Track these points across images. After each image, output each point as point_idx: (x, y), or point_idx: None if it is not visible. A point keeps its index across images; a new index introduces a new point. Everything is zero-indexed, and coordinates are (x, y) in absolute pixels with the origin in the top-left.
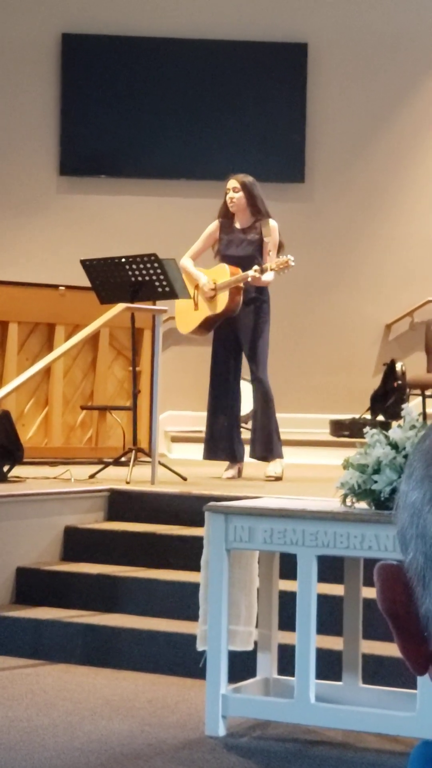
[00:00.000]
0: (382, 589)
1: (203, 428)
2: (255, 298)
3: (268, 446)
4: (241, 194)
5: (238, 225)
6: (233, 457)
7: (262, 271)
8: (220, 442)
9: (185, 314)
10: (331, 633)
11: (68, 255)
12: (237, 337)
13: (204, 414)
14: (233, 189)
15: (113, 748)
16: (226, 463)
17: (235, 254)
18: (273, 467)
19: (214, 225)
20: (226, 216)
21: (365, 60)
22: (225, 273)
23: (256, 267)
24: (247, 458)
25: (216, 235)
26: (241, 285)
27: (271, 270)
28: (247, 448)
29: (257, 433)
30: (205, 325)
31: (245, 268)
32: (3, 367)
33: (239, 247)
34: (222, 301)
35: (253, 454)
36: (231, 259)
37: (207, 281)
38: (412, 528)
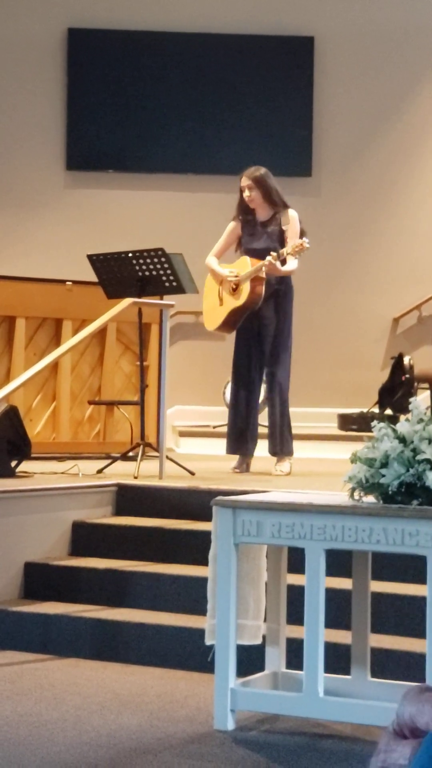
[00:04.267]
0: None
1: (211, 422)
2: (277, 291)
3: (282, 443)
4: (256, 191)
5: (258, 218)
6: (244, 451)
7: (279, 257)
8: (239, 435)
9: (211, 311)
10: (340, 627)
11: (75, 250)
12: (259, 330)
13: (212, 408)
14: (248, 188)
15: (122, 743)
16: (236, 458)
17: (256, 247)
18: (281, 466)
19: (234, 222)
20: (246, 212)
21: (372, 53)
22: (246, 265)
23: (272, 253)
24: (259, 451)
25: (238, 231)
26: (263, 275)
27: (288, 255)
28: (262, 443)
29: (274, 430)
30: (230, 321)
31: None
32: (11, 363)
33: (260, 240)
34: (244, 292)
35: (271, 450)
36: (253, 252)
37: (230, 272)
38: None
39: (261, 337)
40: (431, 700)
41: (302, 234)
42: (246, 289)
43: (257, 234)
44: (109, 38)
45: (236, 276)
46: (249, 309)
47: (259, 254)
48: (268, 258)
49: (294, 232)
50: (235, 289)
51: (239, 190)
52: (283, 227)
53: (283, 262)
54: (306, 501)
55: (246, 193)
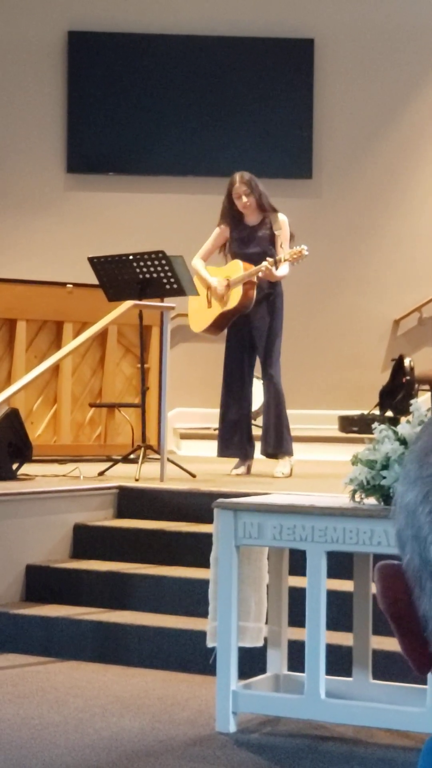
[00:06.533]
0: (383, 589)
1: (212, 425)
2: (268, 294)
3: (278, 443)
4: (251, 196)
5: (248, 222)
6: (243, 453)
7: (276, 263)
8: (232, 438)
9: (198, 313)
10: (341, 629)
11: (76, 252)
12: (251, 334)
13: (212, 410)
14: (244, 194)
15: (124, 745)
16: (236, 460)
17: (248, 251)
18: (281, 467)
19: (220, 227)
20: (234, 217)
21: (372, 55)
22: (239, 269)
23: (269, 259)
24: (256, 455)
25: (226, 234)
26: (255, 280)
27: (285, 261)
28: (258, 445)
29: (268, 430)
30: (218, 323)
31: (258, 265)
32: (11, 365)
33: (251, 244)
34: (236, 296)
35: (264, 451)
36: (245, 256)
37: (219, 281)
38: (408, 529)
39: (254, 340)
40: None
41: (291, 237)
42: (238, 292)
43: (249, 238)
44: (109, 41)
45: (226, 284)
46: (239, 312)
47: (252, 258)
48: (265, 263)
49: (285, 236)
50: (226, 294)
51: (228, 195)
52: (276, 231)
53: (276, 264)
54: (307, 503)
55: (243, 200)
